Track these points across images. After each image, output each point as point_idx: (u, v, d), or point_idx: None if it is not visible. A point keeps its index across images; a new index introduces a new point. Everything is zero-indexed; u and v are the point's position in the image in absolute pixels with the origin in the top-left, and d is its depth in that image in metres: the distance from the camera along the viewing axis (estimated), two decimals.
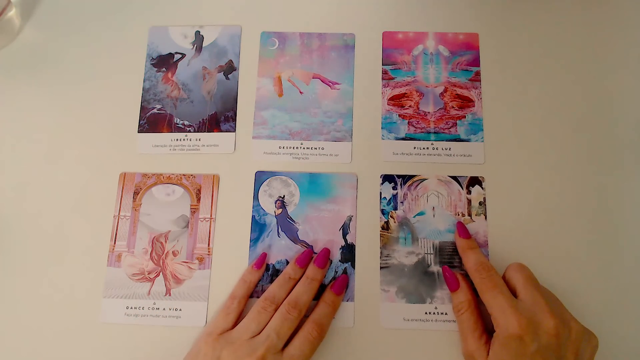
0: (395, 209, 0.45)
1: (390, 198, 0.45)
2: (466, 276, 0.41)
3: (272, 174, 0.46)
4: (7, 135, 0.47)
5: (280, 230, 0.44)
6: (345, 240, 0.44)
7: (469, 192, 0.45)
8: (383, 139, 0.47)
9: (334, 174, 0.45)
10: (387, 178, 0.45)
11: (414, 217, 0.44)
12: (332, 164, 0.46)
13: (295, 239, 0.44)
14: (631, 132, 0.46)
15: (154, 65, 0.49)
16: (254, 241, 0.44)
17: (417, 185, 0.45)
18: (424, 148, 0.46)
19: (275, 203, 0.45)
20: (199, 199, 0.45)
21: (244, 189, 0.45)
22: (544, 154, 0.46)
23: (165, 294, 0.43)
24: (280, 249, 0.44)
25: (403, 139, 0.47)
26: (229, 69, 0.49)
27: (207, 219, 0.45)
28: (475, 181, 0.45)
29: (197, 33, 0.50)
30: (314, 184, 0.45)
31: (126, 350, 0.42)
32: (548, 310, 0.36)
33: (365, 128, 0.47)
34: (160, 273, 0.43)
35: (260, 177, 0.46)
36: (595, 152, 0.46)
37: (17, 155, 0.47)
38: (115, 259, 0.44)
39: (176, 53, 0.50)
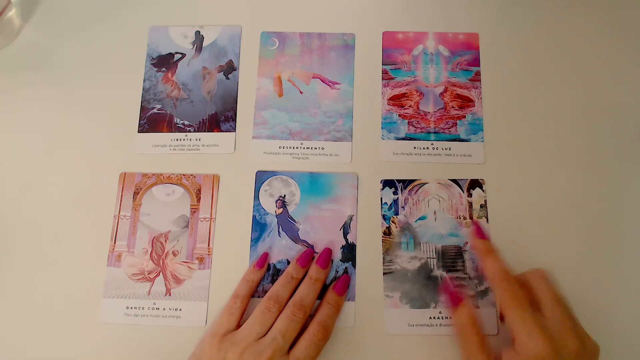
0: (397, 214, 0.44)
1: (391, 203, 0.45)
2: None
3: (273, 173, 0.46)
4: (7, 135, 0.47)
5: (281, 229, 0.44)
6: (346, 240, 0.44)
7: (470, 195, 0.45)
8: (383, 139, 0.47)
9: (335, 174, 0.45)
10: (388, 183, 0.45)
11: (416, 221, 0.44)
12: (332, 164, 0.46)
13: (296, 238, 0.44)
14: (632, 132, 0.46)
15: (154, 65, 0.49)
16: (255, 241, 0.44)
17: (418, 189, 0.45)
18: (424, 148, 0.46)
19: (276, 203, 0.45)
20: (199, 199, 0.45)
21: (244, 189, 0.45)
22: (544, 154, 0.46)
23: (165, 294, 0.43)
24: (281, 248, 0.44)
25: (403, 138, 0.47)
26: (229, 69, 0.49)
27: (207, 219, 0.45)
28: (475, 184, 0.45)
29: (197, 33, 0.50)
30: (314, 184, 0.45)
31: (126, 350, 0.41)
32: (572, 330, 0.35)
33: (365, 128, 0.47)
34: (160, 273, 0.43)
35: (261, 177, 0.46)
36: (596, 151, 0.46)
37: (17, 155, 0.47)
38: (115, 259, 0.44)
39: (176, 53, 0.50)
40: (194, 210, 0.45)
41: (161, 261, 0.44)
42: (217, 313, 0.42)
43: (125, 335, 0.42)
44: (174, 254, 0.44)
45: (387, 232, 0.44)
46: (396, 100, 0.48)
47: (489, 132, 0.47)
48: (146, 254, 0.44)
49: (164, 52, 0.50)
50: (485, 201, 0.44)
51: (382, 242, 0.44)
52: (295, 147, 0.47)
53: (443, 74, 0.48)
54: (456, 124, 0.47)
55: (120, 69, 0.49)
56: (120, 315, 0.42)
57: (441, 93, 0.48)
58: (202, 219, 0.45)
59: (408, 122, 0.47)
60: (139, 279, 0.43)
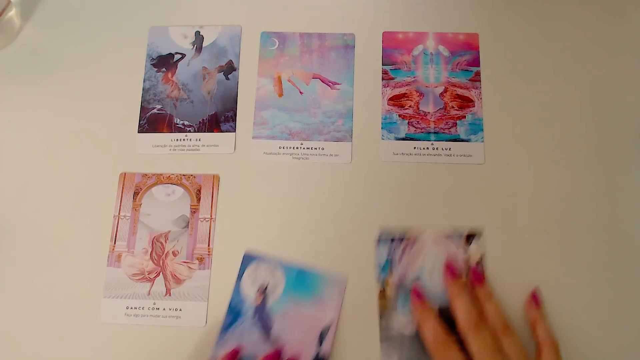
0: (391, 273, 0.42)
1: (385, 263, 0.43)
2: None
3: (260, 259, 0.43)
4: (7, 135, 0.47)
5: (255, 321, 0.42)
6: (319, 349, 0.41)
7: (467, 248, 0.43)
8: (383, 139, 0.47)
9: (324, 275, 0.43)
10: (381, 240, 0.43)
11: (411, 282, 0.42)
12: (332, 164, 0.46)
13: (268, 334, 0.41)
14: (633, 132, 0.46)
15: (154, 65, 0.49)
16: (226, 326, 0.41)
17: (412, 247, 0.43)
18: (424, 148, 0.46)
19: (257, 291, 0.42)
20: (199, 199, 0.45)
21: (244, 189, 0.45)
22: (544, 154, 0.46)
23: (165, 294, 0.43)
24: (251, 340, 0.41)
25: (403, 139, 0.47)
26: (229, 69, 0.49)
27: (207, 219, 0.45)
28: (472, 236, 0.43)
29: (197, 33, 0.50)
30: (300, 280, 0.43)
31: (126, 350, 0.42)
32: None
33: (365, 128, 0.47)
34: (160, 273, 0.43)
35: (249, 259, 0.43)
36: (596, 152, 0.46)
37: (17, 155, 0.47)
38: (115, 259, 0.44)
39: (176, 53, 0.50)
40: (194, 210, 0.45)
41: (161, 261, 0.44)
42: (217, 313, 0.42)
43: (125, 335, 0.42)
44: (174, 254, 0.44)
45: (382, 296, 0.42)
46: (396, 101, 0.48)
47: (489, 132, 0.47)
48: (146, 254, 0.44)
49: (164, 52, 0.50)
50: (482, 255, 0.42)
51: (378, 304, 0.42)
52: (295, 147, 0.47)
53: (443, 74, 0.48)
54: (456, 124, 0.47)
55: (120, 69, 0.49)
56: (121, 315, 0.42)
57: (441, 93, 0.48)
58: (202, 219, 0.45)
59: (408, 123, 0.47)
60: (139, 279, 0.43)
